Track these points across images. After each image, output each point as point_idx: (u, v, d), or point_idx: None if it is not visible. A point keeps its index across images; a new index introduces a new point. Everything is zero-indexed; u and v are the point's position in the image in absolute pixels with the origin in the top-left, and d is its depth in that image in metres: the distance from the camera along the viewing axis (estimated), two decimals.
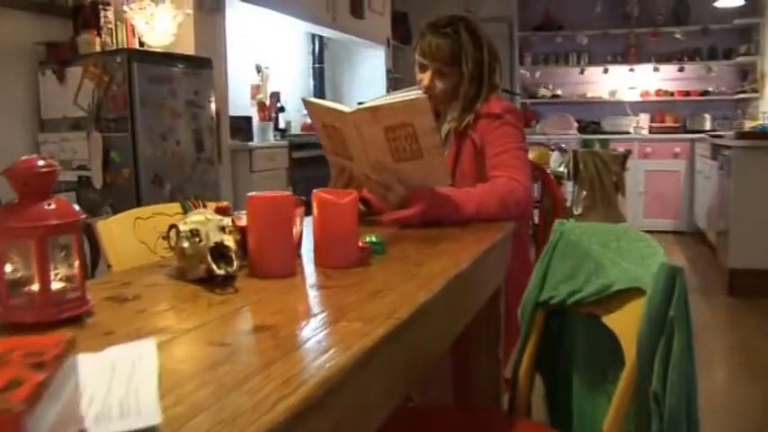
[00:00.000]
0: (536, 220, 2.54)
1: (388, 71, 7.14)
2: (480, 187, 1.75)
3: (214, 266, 1.19)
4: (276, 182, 4.46)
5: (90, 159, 3.44)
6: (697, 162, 6.74)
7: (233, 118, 4.43)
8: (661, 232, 6.91)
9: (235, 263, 1.20)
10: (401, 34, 8.26)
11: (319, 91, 6.68)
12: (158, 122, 3.40)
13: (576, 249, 1.39)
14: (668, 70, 7.54)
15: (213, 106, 3.82)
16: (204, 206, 2.11)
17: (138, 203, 3.34)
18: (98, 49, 3.51)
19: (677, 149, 7.02)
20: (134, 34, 3.62)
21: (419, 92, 1.53)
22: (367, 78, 7.00)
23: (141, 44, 3.62)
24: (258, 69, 5.62)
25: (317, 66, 6.70)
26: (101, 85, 3.36)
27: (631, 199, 6.80)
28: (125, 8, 3.56)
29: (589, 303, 1.29)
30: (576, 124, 7.63)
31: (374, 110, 1.49)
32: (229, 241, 1.25)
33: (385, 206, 1.68)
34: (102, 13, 3.58)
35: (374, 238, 1.44)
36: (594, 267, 1.32)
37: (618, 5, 7.59)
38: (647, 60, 7.53)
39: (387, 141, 1.51)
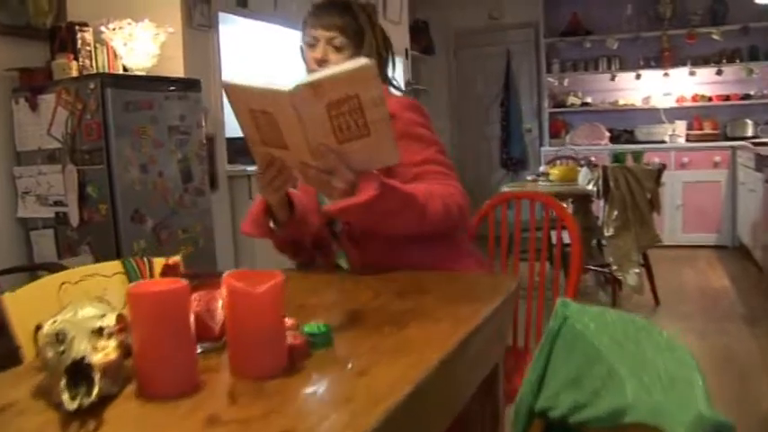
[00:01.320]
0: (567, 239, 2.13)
1: (408, 83, 6.80)
2: (419, 185, 1.55)
3: (65, 396, 0.86)
4: None
5: (66, 194, 3.16)
6: (739, 172, 6.24)
7: (231, 140, 4.12)
8: (701, 247, 6.44)
9: (95, 390, 0.87)
10: (422, 44, 7.93)
11: None
12: (137, 152, 3.10)
13: (584, 344, 1.03)
14: (705, 74, 7.04)
15: (204, 131, 3.52)
16: (150, 267, 1.81)
17: (117, 242, 3.05)
18: (75, 74, 3.24)
19: (717, 158, 6.53)
20: (116, 57, 3.33)
21: (365, 60, 1.26)
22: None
23: (125, 68, 3.34)
24: None
25: None
26: (74, 114, 3.08)
27: (668, 213, 6.34)
28: (102, 29, 3.28)
29: (597, 427, 0.93)
30: (607, 134, 7.18)
31: (316, 85, 1.24)
32: (100, 353, 0.92)
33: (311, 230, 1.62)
34: (78, 35, 3.31)
35: (317, 328, 1.10)
36: (607, 374, 0.95)
37: (649, 7, 7.13)
38: (683, 64, 7.05)
39: (329, 119, 1.28)
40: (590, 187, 4.49)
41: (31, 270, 2.99)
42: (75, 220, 3.14)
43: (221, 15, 3.99)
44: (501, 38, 7.67)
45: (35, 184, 3.25)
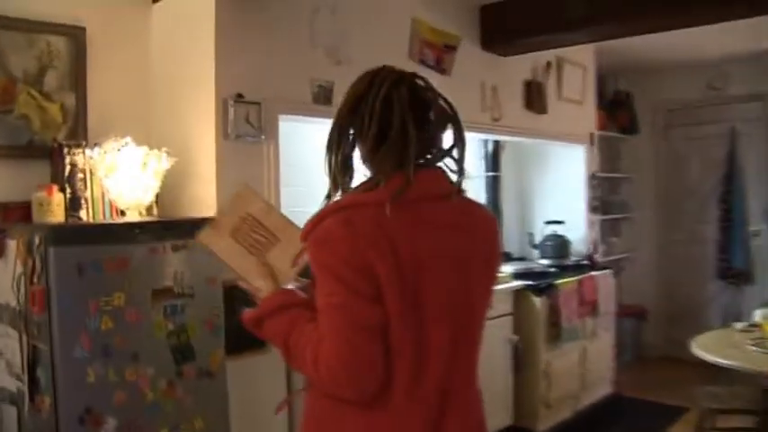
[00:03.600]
0: None
1: (592, 176, 5.41)
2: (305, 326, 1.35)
3: None
4: None
5: (22, 372, 2.37)
6: None
7: None
8: None
9: None
10: (623, 121, 6.45)
11: (493, 203, 5.19)
12: (93, 331, 2.23)
13: None
14: None
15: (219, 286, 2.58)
16: None
17: None
18: (58, 213, 2.49)
19: None
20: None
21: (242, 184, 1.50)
22: (561, 185, 5.34)
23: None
24: None
25: (490, 174, 5.22)
26: (26, 273, 2.29)
27: None
28: (89, 153, 2.50)
29: None
30: None
31: (213, 224, 1.51)
32: None
33: None
34: (67, 159, 2.57)
35: None
36: None
37: None
38: None
39: (240, 245, 1.49)
40: None
41: None
42: (25, 407, 2.34)
43: (286, 120, 3.08)
44: (724, 113, 5.95)
45: (3, 346, 2.52)
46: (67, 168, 2.57)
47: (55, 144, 2.64)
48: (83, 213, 2.59)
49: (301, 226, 1.41)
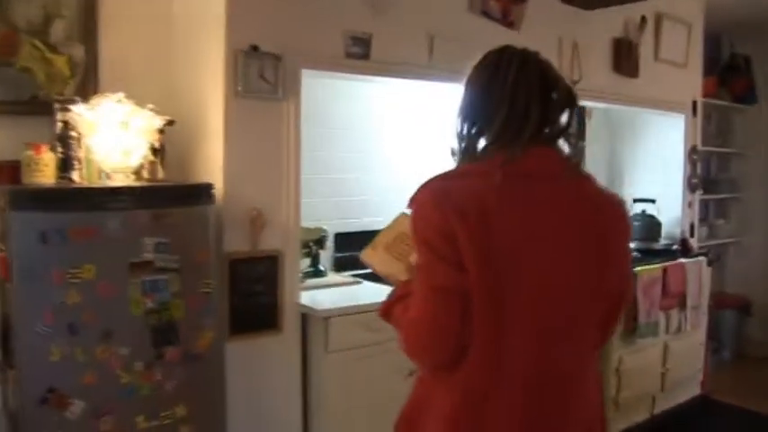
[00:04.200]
0: None
1: (693, 149, 4.76)
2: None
3: None
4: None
5: None
6: None
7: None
8: None
9: None
10: (738, 89, 5.68)
11: None
12: (58, 305, 2.02)
13: None
14: None
15: (212, 258, 2.32)
16: None
17: None
18: (47, 173, 2.30)
19: None
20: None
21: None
22: (654, 159, 4.74)
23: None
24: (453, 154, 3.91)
25: (576, 143, 4.68)
26: None
27: None
28: (76, 110, 2.28)
29: None
30: None
31: (373, 243, 1.60)
32: None
33: None
34: (58, 116, 2.36)
35: None
36: None
37: None
38: None
39: (390, 255, 1.58)
40: None
41: None
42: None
43: (310, 76, 2.75)
44: None
45: None
46: (59, 126, 2.37)
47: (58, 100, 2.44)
48: (75, 175, 2.39)
49: None
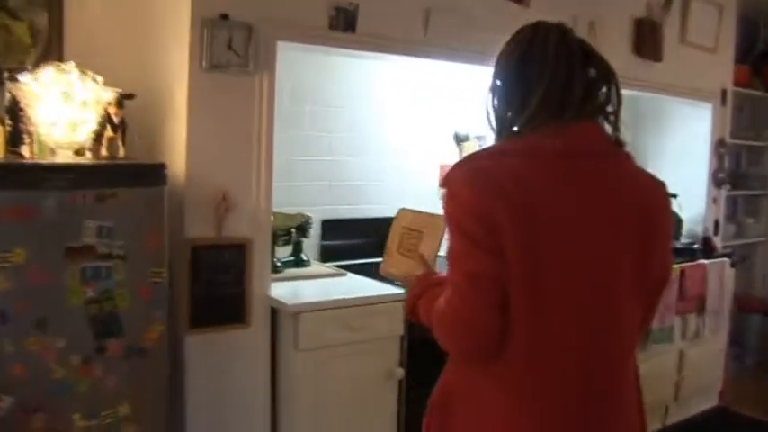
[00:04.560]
0: None
1: (720, 142, 4.44)
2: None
3: None
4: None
5: None
6: None
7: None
8: None
9: None
10: None
11: None
12: None
13: None
14: None
15: (165, 242, 2.13)
16: None
17: None
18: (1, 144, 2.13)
19: None
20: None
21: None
22: (677, 151, 4.42)
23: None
24: (458, 139, 3.67)
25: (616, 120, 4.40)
26: None
27: None
28: (21, 79, 2.10)
29: None
30: None
31: (385, 252, 1.66)
32: None
33: None
34: (7, 86, 2.18)
35: None
36: None
37: None
38: None
39: (402, 255, 1.61)
40: None
41: None
42: None
43: (286, 49, 2.53)
44: None
45: None
46: (8, 97, 2.19)
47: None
48: (25, 150, 2.21)
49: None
